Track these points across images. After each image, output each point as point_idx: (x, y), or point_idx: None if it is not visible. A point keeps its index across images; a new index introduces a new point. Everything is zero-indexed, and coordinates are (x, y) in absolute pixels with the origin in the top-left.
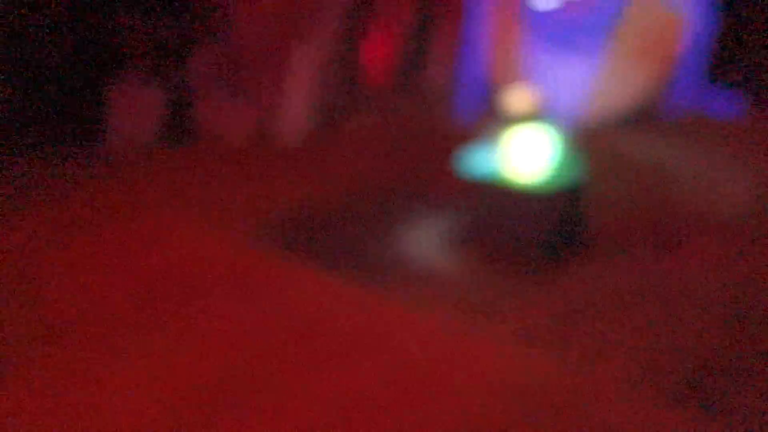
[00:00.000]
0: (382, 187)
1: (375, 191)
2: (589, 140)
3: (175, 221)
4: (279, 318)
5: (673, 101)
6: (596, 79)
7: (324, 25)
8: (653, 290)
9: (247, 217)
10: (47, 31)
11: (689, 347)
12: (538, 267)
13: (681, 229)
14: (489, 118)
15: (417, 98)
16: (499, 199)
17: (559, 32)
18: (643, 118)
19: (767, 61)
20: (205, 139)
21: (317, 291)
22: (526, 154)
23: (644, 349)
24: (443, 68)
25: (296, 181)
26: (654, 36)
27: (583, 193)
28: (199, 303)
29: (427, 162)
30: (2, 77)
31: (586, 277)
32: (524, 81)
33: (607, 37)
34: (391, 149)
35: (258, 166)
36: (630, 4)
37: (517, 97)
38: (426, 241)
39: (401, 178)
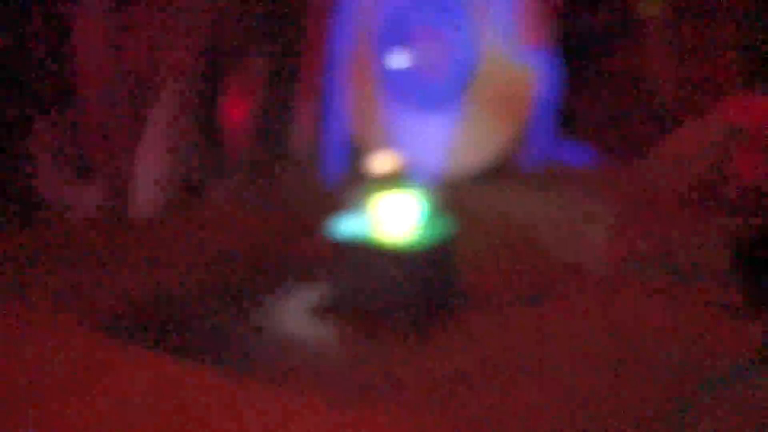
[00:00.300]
0: (246, 260)
1: (238, 265)
2: (453, 197)
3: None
4: (135, 416)
5: (529, 154)
6: (455, 136)
7: (177, 87)
8: (528, 347)
9: (95, 305)
10: None
11: (568, 404)
12: (411, 332)
13: (549, 281)
14: (354, 181)
15: (280, 162)
16: (369, 263)
17: (417, 92)
18: (502, 171)
19: (611, 115)
20: (47, 217)
21: (174, 382)
22: (392, 216)
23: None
24: (306, 131)
25: (152, 261)
26: (507, 91)
27: (451, 252)
28: (45, 406)
29: (293, 228)
30: None
31: (459, 340)
32: (386, 142)
33: (463, 95)
34: (255, 217)
35: (108, 245)
36: (483, 61)
37: (381, 159)
38: (293, 314)
39: (266, 248)
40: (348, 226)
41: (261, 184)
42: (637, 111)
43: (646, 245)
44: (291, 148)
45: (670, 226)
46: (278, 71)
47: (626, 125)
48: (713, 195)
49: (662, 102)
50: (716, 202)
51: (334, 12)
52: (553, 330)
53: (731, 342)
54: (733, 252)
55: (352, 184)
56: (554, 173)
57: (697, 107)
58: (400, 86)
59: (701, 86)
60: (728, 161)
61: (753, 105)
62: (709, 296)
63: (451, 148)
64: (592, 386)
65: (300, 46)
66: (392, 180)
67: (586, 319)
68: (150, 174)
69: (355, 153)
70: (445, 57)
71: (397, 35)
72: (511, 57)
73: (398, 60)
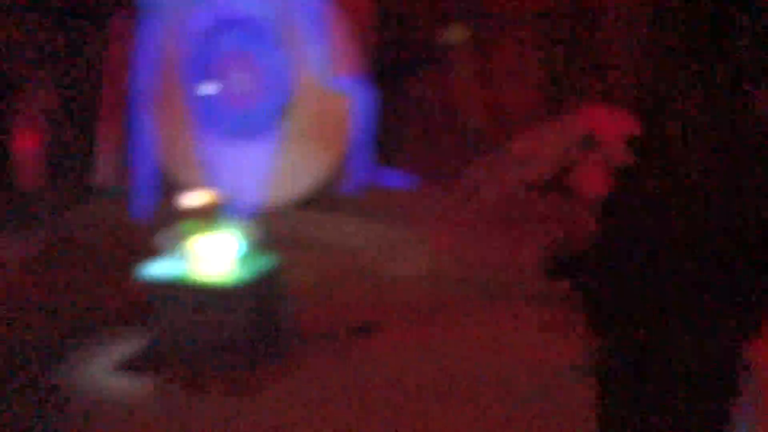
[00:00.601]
0: (47, 312)
1: (38, 318)
2: (274, 227)
3: None
4: None
5: (348, 179)
6: (273, 165)
7: None
8: (357, 383)
9: None
10: None
11: None
12: (236, 379)
13: (376, 309)
14: (167, 217)
15: (81, 197)
16: (187, 305)
17: (230, 120)
18: (322, 198)
19: (425, 139)
20: None
21: None
22: (211, 253)
23: None
24: (110, 164)
25: None
26: (324, 118)
27: (277, 286)
28: None
29: (99, 273)
30: None
31: (287, 384)
32: (199, 174)
33: (279, 122)
34: (55, 265)
35: None
36: (298, 88)
37: (194, 192)
38: (101, 371)
39: (69, 296)
40: (162, 266)
41: (58, 224)
42: (448, 134)
43: (461, 266)
44: (94, 183)
45: (484, 246)
46: (72, 101)
47: (439, 148)
48: (551, 200)
49: (470, 125)
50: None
51: (137, 39)
52: (382, 361)
53: (546, 356)
54: (551, 268)
55: (165, 220)
56: (374, 198)
57: (503, 129)
58: (212, 115)
59: (507, 109)
60: (572, 170)
61: (609, 115)
62: (523, 314)
63: (269, 177)
64: (425, 415)
65: (98, 74)
66: (208, 214)
67: (412, 348)
68: None
69: (166, 186)
70: (258, 84)
71: (206, 62)
72: (326, 84)
73: (208, 88)
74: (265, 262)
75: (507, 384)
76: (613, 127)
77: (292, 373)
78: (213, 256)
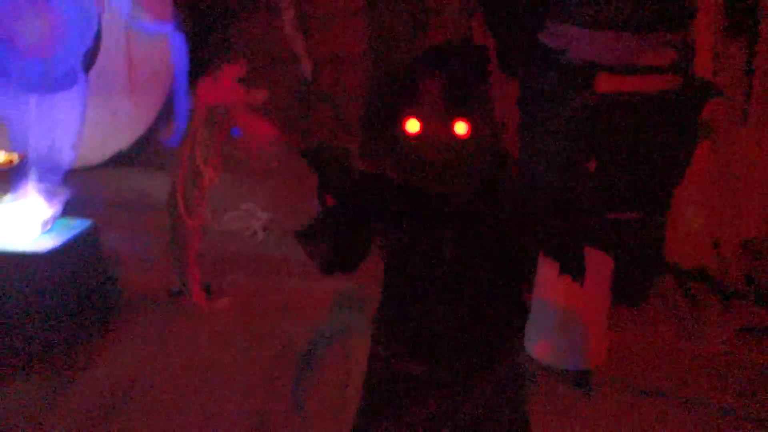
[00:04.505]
0: None
1: None
2: (87, 187)
3: None
4: None
5: (169, 131)
6: (82, 119)
7: None
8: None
9: None
10: None
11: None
12: (60, 351)
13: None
14: None
15: None
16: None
17: (28, 73)
18: (142, 152)
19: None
20: None
21: None
22: (16, 219)
23: None
24: None
25: None
26: (138, 65)
27: (93, 249)
28: None
29: None
30: None
31: (115, 348)
32: None
33: (85, 72)
34: None
35: None
36: (104, 33)
37: None
38: None
39: None
40: None
41: None
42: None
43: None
44: None
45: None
46: None
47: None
48: None
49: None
50: None
51: None
52: (213, 321)
53: None
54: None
55: None
56: None
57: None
58: (4, 68)
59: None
60: (213, 146)
61: (222, 80)
62: None
63: (78, 133)
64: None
65: None
66: (8, 176)
67: (249, 306)
68: None
69: None
70: (55, 31)
71: None
72: (137, 28)
73: None
74: (79, 226)
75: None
76: (226, 95)
77: (117, 342)
78: (19, 223)
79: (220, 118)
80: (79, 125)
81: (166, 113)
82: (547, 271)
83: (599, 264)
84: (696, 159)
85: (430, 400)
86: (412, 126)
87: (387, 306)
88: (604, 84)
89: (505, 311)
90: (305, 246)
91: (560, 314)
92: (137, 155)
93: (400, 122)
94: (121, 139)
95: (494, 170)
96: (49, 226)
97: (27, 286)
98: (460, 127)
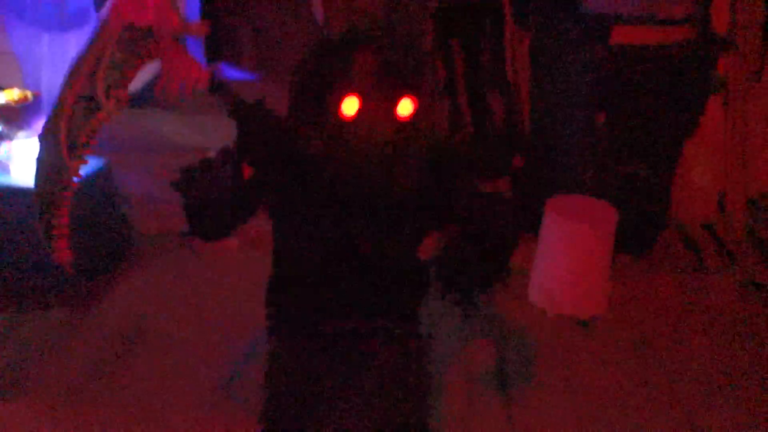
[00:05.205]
0: None
1: None
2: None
3: None
4: None
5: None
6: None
7: None
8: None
9: None
10: None
11: None
12: (74, 285)
13: None
14: None
15: None
16: (10, 214)
17: (46, 13)
18: (154, 95)
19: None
20: None
21: None
22: (31, 156)
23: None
24: None
25: None
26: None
27: (107, 188)
28: None
29: None
30: None
31: (127, 282)
32: (9, 70)
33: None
34: None
35: None
36: None
37: (4, 91)
38: None
39: None
40: None
41: None
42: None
43: None
44: None
45: None
46: None
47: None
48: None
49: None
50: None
51: None
52: (221, 262)
53: None
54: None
55: None
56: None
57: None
58: (19, 4)
59: None
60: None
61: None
62: None
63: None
64: None
65: None
66: (24, 113)
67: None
68: None
69: None
70: None
71: None
72: None
73: None
74: (92, 165)
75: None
76: (152, 15)
77: (130, 279)
78: (33, 160)
79: (141, 44)
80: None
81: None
82: (550, 219)
83: (604, 214)
84: (707, 114)
85: (335, 361)
86: (349, 106)
87: (281, 281)
88: (620, 35)
89: (407, 280)
90: (189, 218)
91: (563, 263)
92: (150, 96)
93: (334, 103)
94: (135, 81)
95: (439, 163)
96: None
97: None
98: (405, 106)
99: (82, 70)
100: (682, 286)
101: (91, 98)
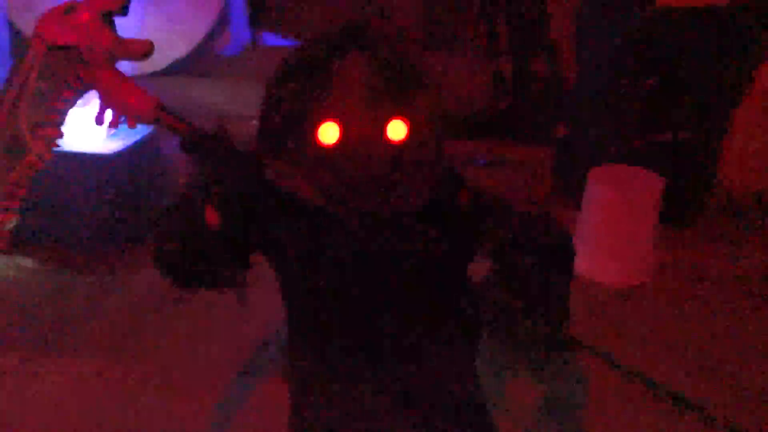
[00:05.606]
0: None
1: None
2: (150, 92)
3: None
4: None
5: (226, 40)
6: (137, 28)
7: None
8: None
9: None
10: None
11: None
12: (113, 252)
13: None
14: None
15: None
16: (63, 176)
17: None
18: (202, 60)
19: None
20: None
21: None
22: (84, 122)
23: None
24: None
25: None
26: None
27: (151, 154)
28: None
29: None
30: None
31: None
32: None
33: None
34: None
35: None
36: None
37: None
38: None
39: None
40: None
41: None
42: None
43: None
44: None
45: None
46: None
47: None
48: None
49: None
50: None
51: None
52: None
53: None
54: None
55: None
56: (257, 58)
57: None
58: None
59: None
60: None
61: (78, 13)
62: None
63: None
64: None
65: None
66: None
67: None
68: None
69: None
70: None
71: None
72: None
73: None
74: (140, 132)
75: None
76: (79, 34)
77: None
78: (87, 127)
79: (68, 69)
80: (134, 34)
81: (221, 21)
82: (594, 189)
83: (649, 184)
84: (756, 81)
85: None
86: (328, 134)
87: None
88: None
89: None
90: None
91: (608, 232)
92: (195, 64)
93: (310, 129)
94: (179, 47)
95: (442, 186)
96: (113, 131)
97: (93, 186)
98: (396, 129)
99: (2, 105)
100: (725, 256)
101: (15, 138)
